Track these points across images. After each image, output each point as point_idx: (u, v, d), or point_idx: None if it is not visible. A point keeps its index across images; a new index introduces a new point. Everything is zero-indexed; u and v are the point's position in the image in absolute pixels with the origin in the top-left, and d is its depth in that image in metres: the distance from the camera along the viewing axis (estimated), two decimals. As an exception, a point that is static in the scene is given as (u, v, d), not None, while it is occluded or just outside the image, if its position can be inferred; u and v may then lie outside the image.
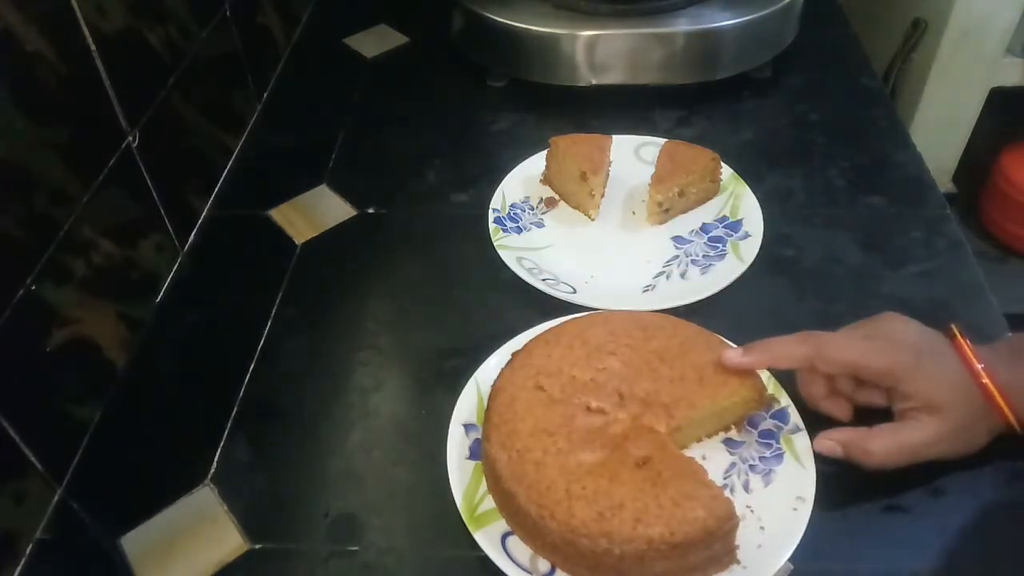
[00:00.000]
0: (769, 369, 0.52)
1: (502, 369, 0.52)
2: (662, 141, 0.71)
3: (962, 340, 0.48)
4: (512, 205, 0.69)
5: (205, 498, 0.51)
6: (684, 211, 0.68)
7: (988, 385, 0.47)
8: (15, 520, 0.48)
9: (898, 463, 0.48)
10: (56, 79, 0.51)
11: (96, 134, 0.56)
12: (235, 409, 0.56)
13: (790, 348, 0.49)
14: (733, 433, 0.51)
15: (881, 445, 0.47)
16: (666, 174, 0.65)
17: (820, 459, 0.49)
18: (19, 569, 0.48)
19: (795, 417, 0.51)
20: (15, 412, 0.47)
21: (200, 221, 0.71)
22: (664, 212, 0.67)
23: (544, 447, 0.46)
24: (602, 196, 0.67)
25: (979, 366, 0.47)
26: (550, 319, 0.56)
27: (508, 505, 0.46)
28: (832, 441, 0.48)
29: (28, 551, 0.49)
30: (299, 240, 0.68)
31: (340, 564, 0.48)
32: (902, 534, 0.47)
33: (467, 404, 0.53)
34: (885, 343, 0.49)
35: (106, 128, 0.57)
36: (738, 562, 0.44)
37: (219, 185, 0.74)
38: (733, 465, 0.50)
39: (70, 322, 0.53)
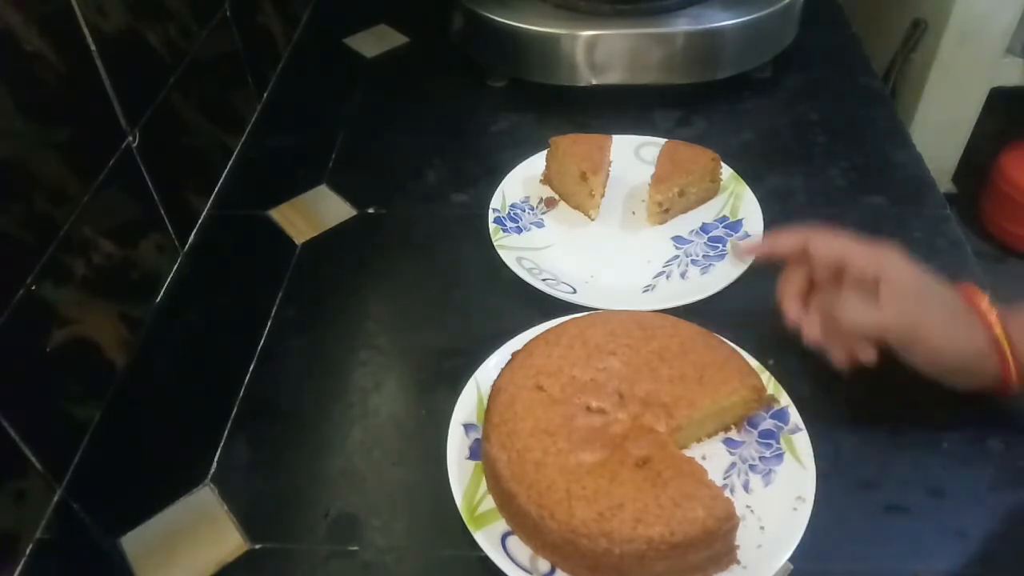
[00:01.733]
0: (768, 260, 0.55)
1: (502, 369, 0.52)
2: (662, 141, 0.71)
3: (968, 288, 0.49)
4: (512, 205, 0.69)
5: (205, 498, 0.51)
6: (684, 211, 0.68)
7: (994, 325, 0.47)
8: (15, 520, 0.48)
9: (877, 330, 0.48)
10: (56, 79, 0.51)
11: (96, 134, 0.56)
12: (235, 409, 0.56)
13: (787, 234, 0.53)
14: (733, 433, 0.51)
15: (850, 306, 0.48)
16: (666, 174, 0.65)
17: (820, 459, 0.49)
18: (19, 569, 0.48)
19: (795, 417, 0.51)
20: (15, 412, 0.47)
21: (200, 221, 0.71)
22: (664, 212, 0.67)
23: (544, 447, 0.46)
24: (602, 196, 0.67)
25: (991, 317, 0.47)
26: (550, 319, 0.56)
27: (508, 505, 0.46)
28: (811, 322, 0.51)
29: (28, 551, 0.49)
30: (299, 240, 0.68)
31: (340, 564, 0.48)
32: (902, 534, 0.47)
33: (467, 404, 0.53)
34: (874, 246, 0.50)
35: (106, 128, 0.57)
36: (738, 562, 0.44)
37: (219, 185, 0.74)
38: (733, 465, 0.50)
39: (70, 322, 0.53)
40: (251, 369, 0.58)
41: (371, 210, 0.71)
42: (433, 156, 0.76)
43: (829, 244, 0.51)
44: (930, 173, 0.71)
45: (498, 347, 0.56)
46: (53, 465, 0.51)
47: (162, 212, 0.64)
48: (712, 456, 0.50)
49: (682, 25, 0.76)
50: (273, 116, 0.83)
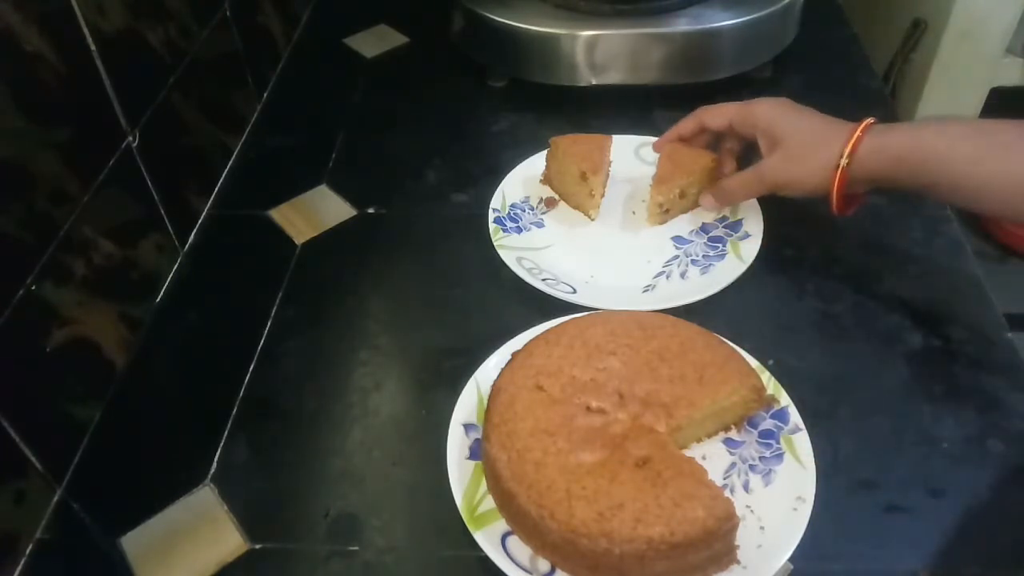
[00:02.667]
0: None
1: (502, 369, 0.52)
2: (662, 141, 0.71)
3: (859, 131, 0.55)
4: (512, 205, 0.69)
5: (205, 498, 0.51)
6: (684, 212, 0.68)
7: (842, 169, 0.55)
8: (15, 520, 0.48)
9: (753, 191, 0.62)
10: (56, 79, 0.51)
11: (96, 134, 0.56)
12: (235, 409, 0.56)
13: (685, 120, 0.66)
14: (733, 433, 0.51)
15: (734, 179, 0.63)
16: (667, 175, 0.65)
17: (820, 459, 0.49)
18: (19, 569, 0.48)
19: (795, 417, 0.51)
20: (15, 412, 0.47)
21: (200, 221, 0.71)
22: (664, 213, 0.67)
23: (544, 447, 0.46)
24: (602, 196, 0.67)
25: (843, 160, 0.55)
26: (550, 319, 0.56)
27: (508, 505, 0.46)
28: (706, 195, 0.65)
29: (28, 551, 0.49)
30: (299, 240, 0.68)
31: (340, 564, 0.48)
32: (902, 534, 0.47)
33: (467, 404, 0.53)
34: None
35: (106, 128, 0.57)
36: (738, 562, 0.44)
37: (219, 185, 0.74)
38: (733, 465, 0.50)
39: (70, 322, 0.53)
40: (251, 369, 0.58)
41: (371, 210, 0.71)
42: (433, 156, 0.76)
43: (717, 116, 0.63)
44: (930, 173, 0.71)
45: (498, 347, 0.56)
46: (53, 465, 0.51)
47: (162, 212, 0.64)
48: (712, 456, 0.50)
49: (682, 25, 0.76)
50: (273, 116, 0.83)
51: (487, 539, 0.46)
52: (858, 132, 0.55)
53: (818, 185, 0.57)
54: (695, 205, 0.68)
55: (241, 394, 0.57)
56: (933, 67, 1.14)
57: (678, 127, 0.66)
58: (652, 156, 0.70)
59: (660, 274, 0.63)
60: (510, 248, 0.64)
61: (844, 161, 0.55)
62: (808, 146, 0.58)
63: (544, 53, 0.78)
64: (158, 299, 0.64)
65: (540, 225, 0.68)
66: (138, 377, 0.59)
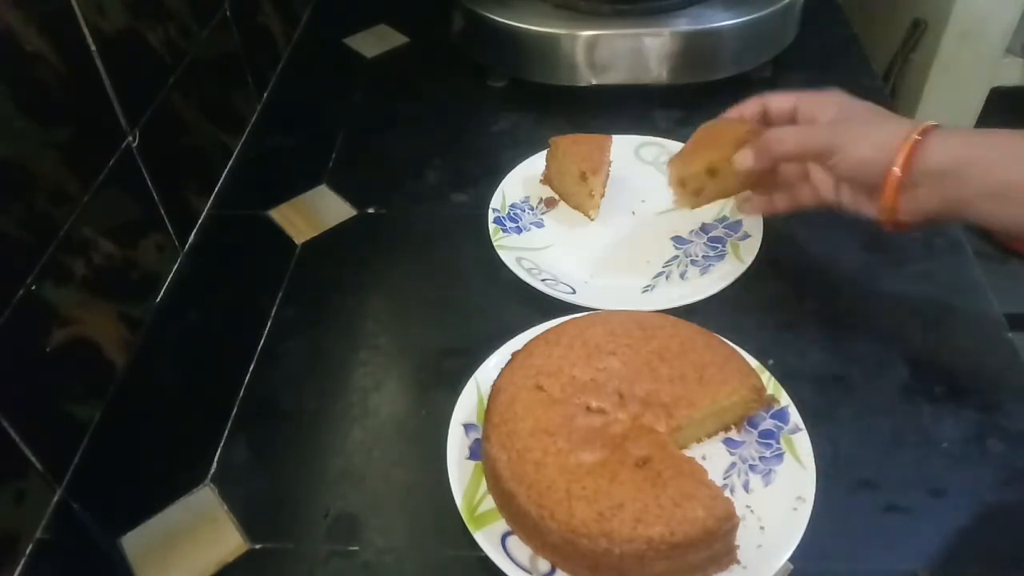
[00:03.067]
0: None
1: (502, 369, 0.52)
2: (662, 141, 0.71)
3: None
4: (512, 205, 0.69)
5: (205, 498, 0.51)
6: (722, 196, 0.61)
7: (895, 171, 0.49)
8: (15, 520, 0.48)
9: (805, 142, 0.54)
10: (56, 79, 0.51)
11: (96, 134, 0.56)
12: (235, 409, 0.56)
13: (748, 102, 0.59)
14: (733, 433, 0.51)
15: (781, 129, 0.55)
16: (689, 149, 0.61)
17: (820, 459, 0.49)
18: (19, 569, 0.48)
19: (795, 417, 0.51)
20: (15, 412, 0.47)
21: (200, 221, 0.71)
22: (694, 195, 0.60)
23: (544, 447, 0.46)
24: (602, 196, 0.67)
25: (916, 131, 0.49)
26: (550, 319, 0.56)
27: (508, 505, 0.46)
28: (745, 151, 0.56)
29: (28, 551, 0.49)
30: (299, 240, 0.68)
31: (340, 564, 0.48)
32: (902, 534, 0.47)
33: (467, 404, 0.53)
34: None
35: (106, 128, 0.57)
36: (738, 562, 0.44)
37: (219, 185, 0.74)
38: (733, 465, 0.50)
39: (70, 322, 0.53)
40: (251, 369, 0.58)
41: (371, 210, 0.71)
42: (433, 156, 0.76)
43: (782, 98, 0.58)
44: (930, 173, 0.71)
45: (498, 347, 0.56)
46: (53, 465, 0.51)
47: (162, 212, 0.64)
48: (712, 456, 0.50)
49: (682, 25, 0.76)
50: (273, 116, 0.83)
51: (487, 539, 0.46)
52: (920, 130, 0.49)
53: (874, 158, 0.50)
54: (735, 190, 0.61)
55: (241, 394, 0.57)
56: (933, 67, 1.14)
57: (738, 109, 0.60)
58: (652, 156, 0.70)
59: (660, 274, 0.63)
60: (510, 248, 0.64)
61: (916, 136, 0.49)
62: (874, 122, 0.53)
63: (544, 53, 0.78)
64: (158, 299, 0.64)
65: (540, 225, 0.68)
66: (138, 377, 0.59)
